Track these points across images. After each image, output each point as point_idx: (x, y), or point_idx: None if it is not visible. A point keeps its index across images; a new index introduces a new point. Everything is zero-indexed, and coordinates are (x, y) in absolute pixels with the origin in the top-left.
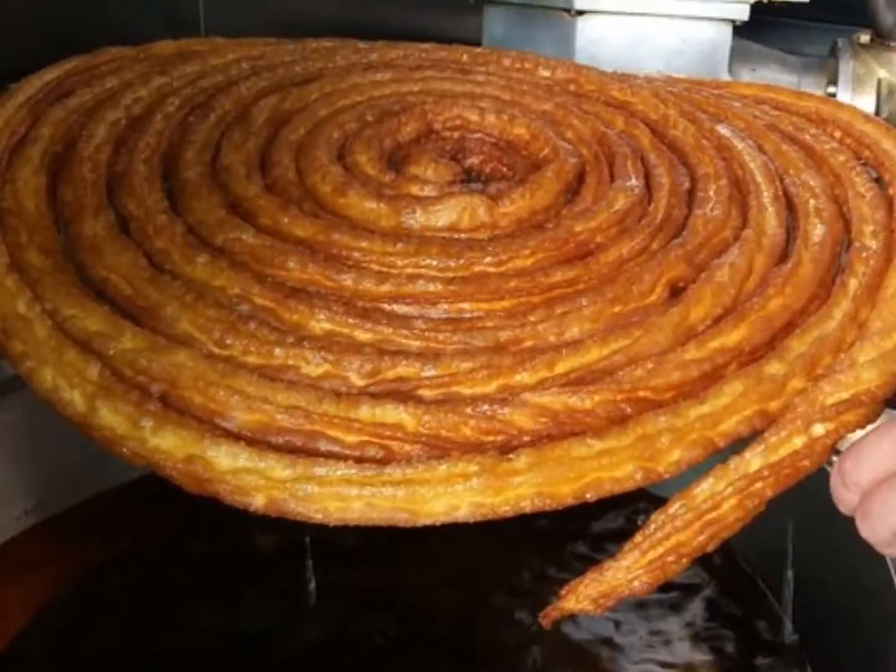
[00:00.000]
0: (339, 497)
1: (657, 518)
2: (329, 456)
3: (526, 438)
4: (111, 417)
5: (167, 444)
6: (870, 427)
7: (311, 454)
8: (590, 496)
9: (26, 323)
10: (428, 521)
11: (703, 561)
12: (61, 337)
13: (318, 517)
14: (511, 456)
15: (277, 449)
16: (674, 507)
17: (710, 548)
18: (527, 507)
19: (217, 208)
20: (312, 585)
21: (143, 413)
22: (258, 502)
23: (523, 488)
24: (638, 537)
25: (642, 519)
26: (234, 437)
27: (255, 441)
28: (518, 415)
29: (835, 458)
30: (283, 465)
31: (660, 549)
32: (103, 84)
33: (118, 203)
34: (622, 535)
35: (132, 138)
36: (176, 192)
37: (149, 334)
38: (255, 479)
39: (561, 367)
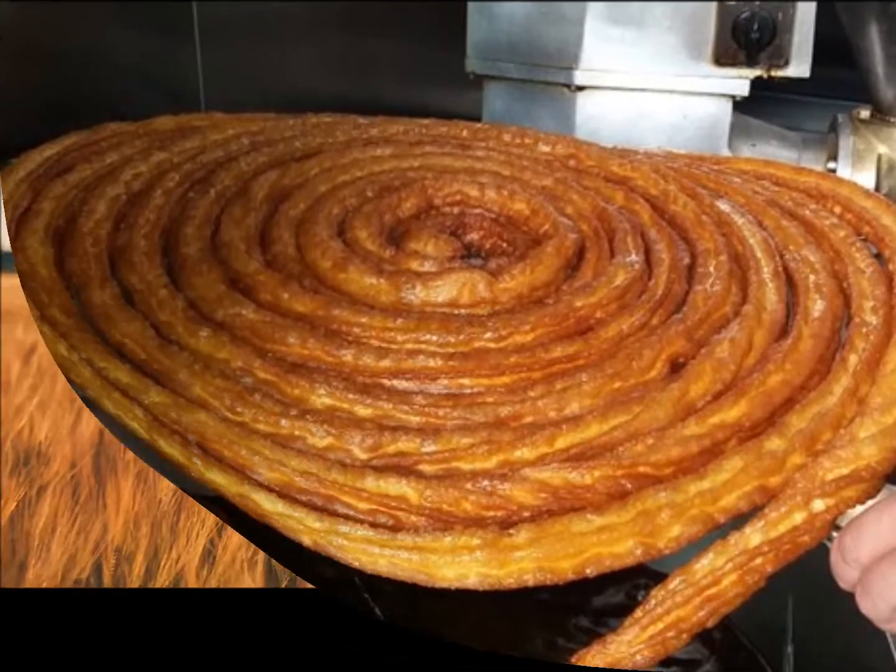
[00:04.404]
0: (366, 553)
1: (657, 593)
2: (347, 518)
3: (526, 513)
4: (169, 449)
5: (220, 480)
6: (870, 502)
7: (332, 514)
8: (590, 571)
9: (72, 364)
10: (444, 584)
11: (703, 636)
12: (104, 381)
13: (355, 565)
14: (511, 531)
15: (304, 504)
16: (674, 583)
17: (710, 623)
18: (529, 580)
19: (217, 284)
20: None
21: (191, 454)
22: (306, 541)
23: (525, 563)
24: (638, 612)
25: (643, 594)
26: (266, 489)
27: (283, 495)
28: (518, 490)
29: (835, 534)
30: (314, 518)
31: (660, 625)
32: (103, 160)
33: (121, 276)
34: (623, 611)
35: (132, 214)
36: (176, 267)
37: (170, 394)
38: (295, 524)
39: (561, 443)
